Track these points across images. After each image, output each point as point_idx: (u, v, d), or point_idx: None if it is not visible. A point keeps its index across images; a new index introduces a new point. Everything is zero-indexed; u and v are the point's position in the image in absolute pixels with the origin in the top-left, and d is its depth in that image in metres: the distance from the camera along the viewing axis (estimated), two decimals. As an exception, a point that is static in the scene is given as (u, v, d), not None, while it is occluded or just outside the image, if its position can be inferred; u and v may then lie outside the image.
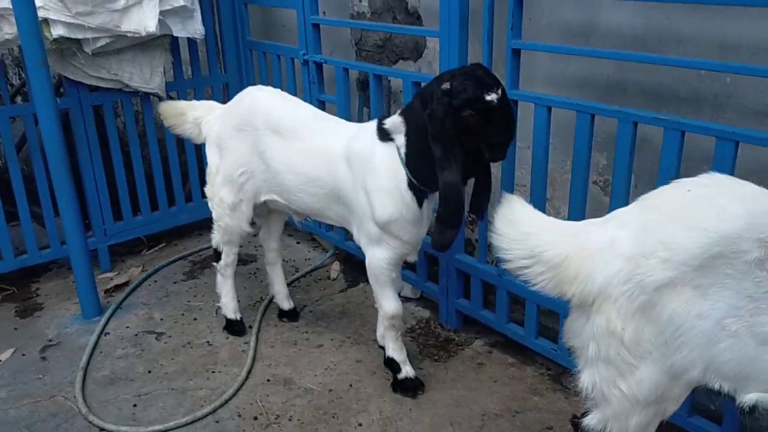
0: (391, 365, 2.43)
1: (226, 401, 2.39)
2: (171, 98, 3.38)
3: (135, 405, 2.40)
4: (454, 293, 2.74)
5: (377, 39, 3.05)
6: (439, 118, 1.91)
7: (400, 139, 2.10)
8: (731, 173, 1.69)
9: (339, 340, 2.76)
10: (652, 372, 1.41)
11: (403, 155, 2.09)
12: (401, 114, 2.10)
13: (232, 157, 2.50)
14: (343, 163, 2.23)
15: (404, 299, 3.02)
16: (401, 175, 2.10)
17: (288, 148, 2.35)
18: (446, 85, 1.90)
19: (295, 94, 3.23)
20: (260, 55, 3.47)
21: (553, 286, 1.45)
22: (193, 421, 2.30)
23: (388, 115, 2.17)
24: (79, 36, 2.83)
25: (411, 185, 2.09)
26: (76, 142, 3.19)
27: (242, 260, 3.44)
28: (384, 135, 2.13)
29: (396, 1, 2.91)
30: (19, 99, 4.39)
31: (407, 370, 2.42)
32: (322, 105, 3.12)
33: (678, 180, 1.44)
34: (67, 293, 3.14)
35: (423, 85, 2.13)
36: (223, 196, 2.54)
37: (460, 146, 1.94)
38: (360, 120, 3.15)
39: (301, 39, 3.08)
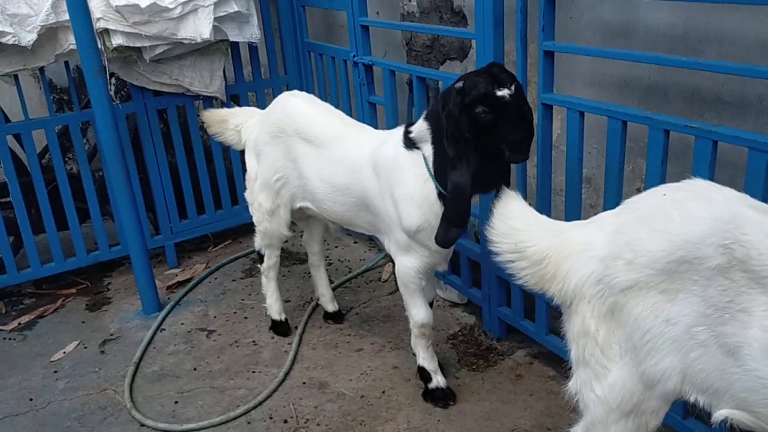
0: (423, 374, 2.40)
1: (260, 402, 2.45)
2: (233, 101, 3.50)
3: (176, 402, 2.51)
4: (496, 301, 2.66)
5: (425, 39, 3.00)
6: (454, 117, 1.88)
7: (427, 149, 2.05)
8: (765, 185, 1.53)
9: (379, 344, 2.75)
10: (624, 377, 1.37)
11: (430, 165, 2.04)
12: (426, 119, 2.05)
13: (268, 162, 2.54)
14: (370, 171, 2.21)
15: (451, 304, 2.98)
16: (429, 185, 2.06)
17: (316, 156, 2.36)
18: (459, 84, 1.87)
19: (347, 95, 3.26)
20: (317, 57, 3.50)
21: (535, 283, 1.48)
22: (226, 422, 2.37)
23: (414, 122, 2.12)
24: (138, 44, 2.97)
25: (440, 195, 2.04)
26: (143, 145, 3.35)
27: (298, 259, 3.50)
28: (410, 143, 2.09)
29: (442, 0, 2.84)
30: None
31: (438, 380, 2.38)
32: (372, 107, 3.12)
33: (663, 185, 1.40)
34: (134, 289, 3.30)
35: None
36: (262, 202, 2.59)
37: (478, 147, 1.89)
38: (409, 120, 3.11)
39: (351, 41, 3.07)
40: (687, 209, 1.27)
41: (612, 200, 2.00)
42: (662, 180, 1.82)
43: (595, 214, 2.36)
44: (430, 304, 2.41)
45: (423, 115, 2.08)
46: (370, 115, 3.12)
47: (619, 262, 1.32)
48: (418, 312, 2.30)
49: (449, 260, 2.36)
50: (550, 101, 2.14)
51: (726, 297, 1.22)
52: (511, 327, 2.68)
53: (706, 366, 1.28)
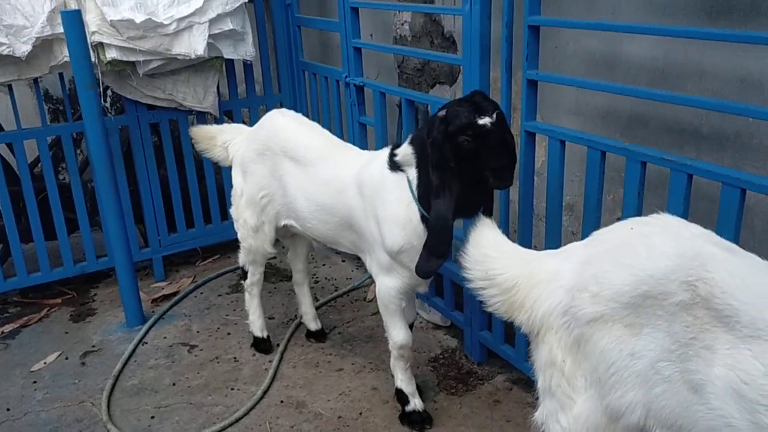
0: (400, 396, 2.39)
1: (237, 420, 2.44)
2: (226, 117, 3.52)
3: (153, 417, 2.50)
4: (478, 325, 2.66)
5: (416, 63, 3.03)
6: (438, 145, 1.89)
7: (412, 172, 2.07)
8: (738, 221, 1.54)
9: (360, 365, 2.75)
10: (589, 409, 1.36)
11: (414, 189, 2.06)
12: (411, 143, 2.07)
13: (254, 180, 2.55)
14: (355, 191, 2.23)
15: (434, 326, 2.98)
16: (413, 208, 2.07)
17: (301, 175, 2.38)
18: (442, 113, 1.89)
19: (339, 115, 3.28)
20: (311, 76, 3.53)
21: (505, 311, 1.48)
22: (201, 438, 2.37)
23: (400, 143, 2.14)
24: (132, 59, 2.99)
25: (423, 218, 2.06)
26: (135, 158, 3.37)
27: (284, 276, 3.51)
28: (395, 166, 2.11)
29: (434, 25, 2.87)
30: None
31: (416, 403, 2.37)
32: (362, 127, 3.14)
33: (632, 218, 1.40)
34: (119, 301, 3.30)
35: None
36: (247, 218, 2.61)
37: (462, 174, 1.90)
38: (399, 142, 3.13)
39: (344, 62, 3.10)
40: (653, 244, 1.28)
41: (591, 228, 1.98)
42: (639, 211, 1.83)
43: (576, 241, 2.39)
44: (411, 326, 2.41)
45: (408, 139, 2.09)
46: (360, 135, 3.15)
47: (585, 294, 1.33)
48: (397, 333, 2.30)
49: (432, 282, 2.36)
50: (532, 129, 2.16)
51: (690, 333, 1.22)
52: (492, 352, 2.67)
53: (670, 402, 1.27)
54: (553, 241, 2.14)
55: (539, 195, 2.36)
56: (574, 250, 1.47)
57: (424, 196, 2.03)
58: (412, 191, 2.06)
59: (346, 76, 3.10)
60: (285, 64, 3.62)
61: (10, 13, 2.77)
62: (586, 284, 1.33)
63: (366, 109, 3.13)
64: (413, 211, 2.07)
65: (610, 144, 1.90)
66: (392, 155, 2.13)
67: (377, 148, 2.95)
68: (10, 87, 3.06)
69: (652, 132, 2.02)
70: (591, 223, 2.00)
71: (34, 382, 2.74)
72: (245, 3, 3.16)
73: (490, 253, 1.52)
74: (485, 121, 1.82)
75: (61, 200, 3.25)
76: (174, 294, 3.41)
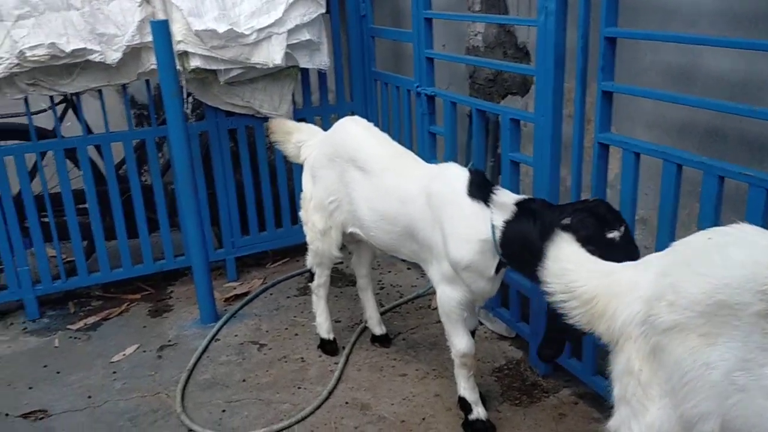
0: (463, 404, 2.41)
1: (303, 418, 2.51)
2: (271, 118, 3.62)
3: (224, 410, 2.59)
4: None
5: (489, 73, 3.05)
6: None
7: (499, 219, 2.06)
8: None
9: (424, 371, 2.77)
10: (662, 418, 1.37)
11: (497, 234, 2.05)
12: (517, 205, 2.04)
13: (323, 185, 2.63)
14: (422, 202, 2.26)
15: (498, 337, 2.98)
16: (489, 242, 2.08)
17: (367, 184, 2.44)
18: (566, 221, 1.85)
19: (409, 124, 3.33)
20: (383, 85, 3.60)
21: (586, 322, 1.51)
22: (270, 434, 2.44)
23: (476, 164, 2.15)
24: (214, 67, 3.13)
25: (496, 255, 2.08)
26: (213, 162, 3.51)
27: (351, 281, 3.57)
28: (479, 194, 2.11)
29: (507, 36, 2.89)
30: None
31: (479, 411, 2.38)
32: (432, 136, 3.18)
33: (711, 228, 1.40)
34: (194, 299, 3.43)
35: (537, 207, 2.03)
36: (315, 222, 2.68)
37: None
38: (468, 152, 3.15)
39: (416, 71, 3.15)
40: (728, 253, 1.28)
41: (665, 242, 1.96)
42: (715, 226, 1.79)
43: (649, 255, 2.35)
44: (473, 333, 2.42)
45: (515, 200, 2.06)
46: (429, 144, 3.18)
47: (663, 303, 1.34)
48: (459, 341, 2.32)
49: (498, 293, 2.37)
50: (606, 141, 2.15)
51: (766, 342, 1.21)
52: (558, 365, 2.65)
53: (745, 412, 1.26)
54: (625, 254, 2.11)
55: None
56: (652, 260, 1.48)
57: (507, 247, 2.03)
58: (493, 231, 2.06)
59: (417, 86, 3.15)
60: (358, 73, 3.70)
61: (103, 22, 2.94)
62: (663, 293, 1.34)
63: (436, 119, 3.16)
64: (487, 242, 2.08)
65: (687, 157, 1.87)
66: (487, 188, 2.11)
67: (446, 157, 2.99)
68: (100, 92, 3.25)
69: (731, 146, 1.98)
70: (665, 238, 1.97)
71: (114, 372, 2.89)
72: (322, 14, 3.26)
73: (569, 267, 1.55)
74: (614, 235, 1.81)
75: (143, 201, 3.42)
76: (245, 294, 3.52)
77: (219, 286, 3.58)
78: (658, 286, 1.37)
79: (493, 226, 2.07)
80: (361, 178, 2.46)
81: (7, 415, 2.63)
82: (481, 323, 3.00)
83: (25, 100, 3.10)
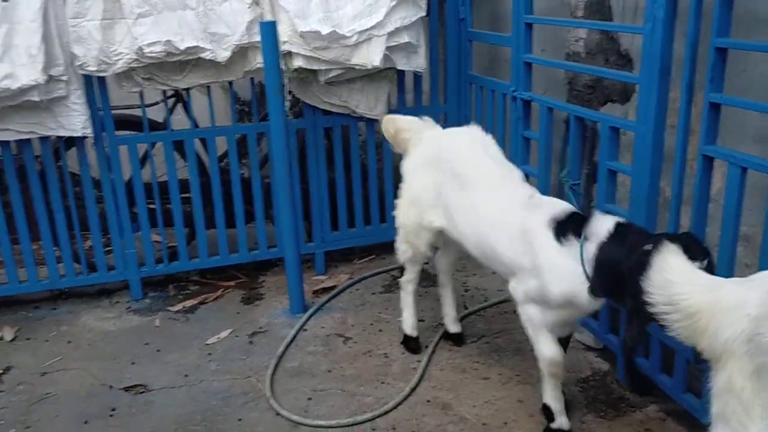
0: (546, 412, 2.40)
1: (386, 412, 2.56)
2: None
3: (310, 398, 2.69)
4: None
5: (588, 79, 3.00)
6: (637, 278, 1.76)
7: (589, 250, 2.04)
8: None
9: (507, 376, 2.77)
10: None
11: (585, 266, 2.04)
12: (599, 249, 2.01)
13: (422, 183, 2.67)
14: (515, 231, 2.25)
15: (585, 347, 2.94)
16: (581, 283, 2.07)
17: (463, 197, 2.46)
18: (648, 247, 1.81)
19: (502, 128, 3.33)
20: (477, 89, 3.61)
21: (688, 336, 1.51)
22: (353, 424, 2.51)
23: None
24: (315, 67, 3.24)
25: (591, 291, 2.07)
26: (308, 158, 3.63)
27: (436, 282, 3.59)
28: (570, 230, 2.11)
29: (610, 43, 2.84)
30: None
31: (562, 421, 2.36)
32: (526, 141, 3.17)
33: None
34: (284, 289, 3.55)
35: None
36: (409, 216, 2.74)
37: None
38: (563, 158, 3.12)
39: (513, 76, 3.15)
40: None
41: (767, 262, 1.91)
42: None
43: (751, 273, 2.26)
44: (567, 341, 2.40)
45: (598, 245, 2.02)
46: (523, 149, 3.18)
47: None
48: (546, 349, 2.31)
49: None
50: (711, 153, 2.09)
51: None
52: (647, 379, 2.59)
53: None
54: (725, 271, 2.05)
55: (713, 223, 2.26)
56: (762, 278, 1.46)
57: (594, 277, 2.02)
58: (582, 262, 2.05)
59: (513, 90, 3.15)
60: (453, 75, 3.73)
61: (215, 22, 3.09)
62: None
63: (531, 124, 3.15)
64: (579, 285, 2.07)
65: (799, 174, 1.79)
66: (568, 236, 2.10)
67: (539, 162, 2.98)
68: (208, 88, 3.42)
69: None
70: (769, 257, 1.90)
71: (209, 354, 3.04)
72: (422, 17, 3.31)
73: (673, 279, 1.55)
74: (696, 266, 1.72)
75: (242, 193, 3.58)
76: (332, 288, 3.62)
77: (307, 278, 3.69)
78: (767, 304, 1.34)
79: (583, 265, 2.04)
80: (458, 189, 2.49)
81: (111, 387, 2.82)
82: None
83: (140, 93, 3.31)
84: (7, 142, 3.15)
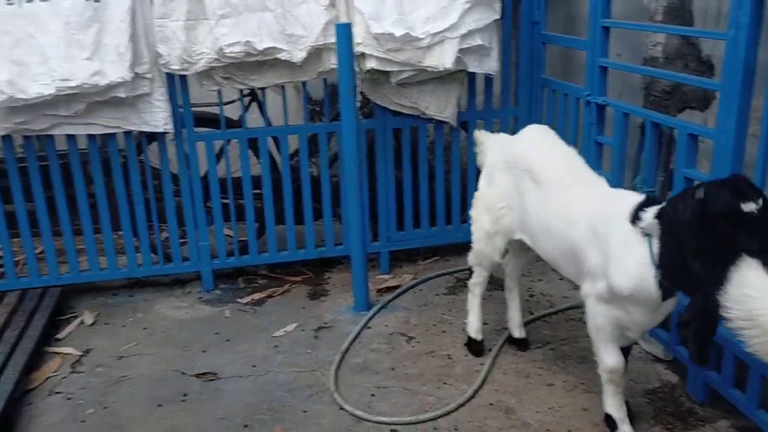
0: (609, 421, 2.37)
1: (449, 413, 2.58)
2: (461, 128, 3.70)
3: (373, 395, 2.73)
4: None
5: (666, 85, 2.94)
6: (694, 230, 1.79)
7: (654, 242, 2.01)
8: None
9: (572, 383, 2.75)
10: None
11: (654, 260, 2.01)
12: (657, 217, 2.00)
13: (497, 189, 2.68)
14: (586, 225, 2.24)
15: (654, 359, 2.88)
16: (649, 271, 2.02)
17: (539, 196, 2.45)
18: (700, 194, 1.80)
19: (575, 133, 3.29)
20: (550, 92, 3.58)
21: (766, 352, 1.49)
22: (415, 423, 2.54)
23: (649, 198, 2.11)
24: (387, 68, 3.28)
25: (660, 284, 2.02)
26: (376, 158, 3.68)
27: (501, 286, 3.58)
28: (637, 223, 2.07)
29: (690, 48, 2.77)
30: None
31: (625, 430, 2.33)
32: (599, 146, 3.13)
33: None
34: (348, 286, 3.60)
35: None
36: (483, 223, 2.74)
37: (718, 260, 1.76)
38: (636, 165, 3.07)
39: (588, 80, 3.11)
40: None
41: None
42: None
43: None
44: (627, 351, 2.37)
45: (654, 212, 2.01)
46: (595, 154, 3.13)
47: None
48: (608, 357, 2.28)
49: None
50: (796, 164, 2.02)
51: None
52: (717, 393, 2.52)
53: None
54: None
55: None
56: None
57: (664, 265, 1.97)
58: (652, 256, 2.01)
59: (588, 95, 3.11)
60: (525, 78, 3.71)
61: (292, 24, 3.17)
62: None
63: (604, 129, 3.10)
64: (648, 273, 2.03)
65: None
66: (637, 216, 2.07)
67: (613, 168, 2.93)
68: (282, 88, 3.52)
69: None
70: None
71: (276, 346, 3.12)
72: (495, 20, 3.31)
73: (752, 294, 1.52)
74: (751, 208, 1.72)
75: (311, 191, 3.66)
76: (396, 287, 3.65)
77: (372, 277, 3.73)
78: None
79: (651, 250, 2.00)
80: (534, 189, 2.48)
81: (183, 373, 2.94)
82: (636, 343, 2.90)
83: (218, 92, 3.43)
84: (94, 136, 3.32)
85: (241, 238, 3.78)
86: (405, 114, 3.60)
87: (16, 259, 3.52)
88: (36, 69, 2.94)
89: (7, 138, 3.24)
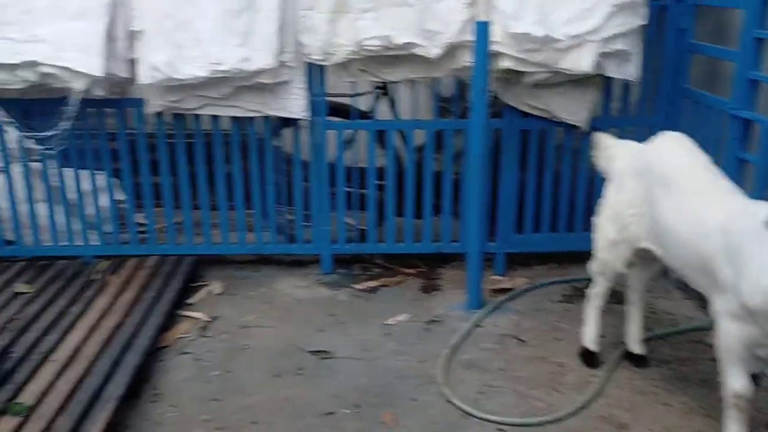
0: (728, 449, 2.25)
1: (558, 419, 2.55)
2: (595, 132, 3.61)
3: (480, 392, 2.74)
4: None
5: (824, 103, 2.74)
6: None
7: None
8: None
9: (690, 405, 2.63)
10: None
11: None
12: None
13: (626, 196, 2.61)
14: (721, 238, 2.14)
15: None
16: None
17: (673, 205, 2.37)
18: None
19: (716, 147, 3.14)
20: (691, 103, 3.43)
21: None
22: (523, 425, 2.53)
23: None
24: (523, 69, 3.26)
25: None
26: (501, 159, 3.67)
27: (620, 300, 3.46)
28: None
29: None
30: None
31: (744, 460, 2.21)
32: (740, 163, 2.97)
33: None
34: (461, 284, 3.61)
35: None
36: (607, 231, 2.68)
37: None
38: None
39: (735, 92, 2.96)
40: None
41: None
42: None
43: None
44: (756, 378, 2.24)
45: None
46: (736, 171, 2.97)
47: None
48: (735, 380, 2.18)
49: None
50: None
51: None
52: None
53: None
54: None
55: None
56: None
57: None
58: None
59: (733, 108, 2.95)
60: (666, 88, 3.57)
61: (431, 20, 3.22)
62: None
63: (748, 145, 2.94)
64: None
65: None
66: None
67: (756, 187, 2.78)
68: (413, 83, 3.58)
69: None
70: None
71: (388, 333, 3.20)
72: (640, 25, 3.21)
73: None
74: None
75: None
76: (510, 289, 3.63)
77: (485, 276, 3.73)
78: None
79: None
80: (667, 197, 2.40)
81: (300, 348, 3.08)
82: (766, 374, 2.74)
83: (353, 83, 3.55)
84: (236, 118, 3.53)
85: (360, 227, 3.89)
86: (534, 115, 3.56)
87: (158, 227, 3.81)
88: (191, 52, 3.17)
89: (159, 115, 3.51)
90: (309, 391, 2.75)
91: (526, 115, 3.58)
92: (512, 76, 3.34)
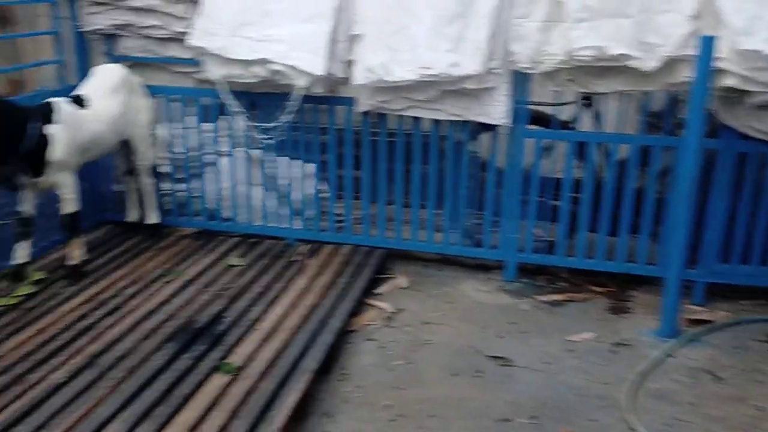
0: None
1: (754, 469, 2.36)
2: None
3: (667, 425, 2.60)
4: None
5: None
6: None
7: None
8: None
9: None
10: None
11: None
12: None
13: None
14: None
15: None
16: None
17: None
18: None
19: None
20: None
21: None
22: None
23: None
24: (748, 88, 3.02)
25: None
26: (711, 182, 3.43)
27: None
28: None
29: None
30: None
31: None
32: None
33: None
34: (653, 309, 3.44)
35: None
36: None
37: None
38: None
39: None
40: None
41: None
42: None
43: None
44: None
45: None
46: None
47: None
48: None
49: None
50: None
51: None
52: None
53: None
54: None
55: None
56: None
57: None
58: None
59: None
60: None
61: (649, 32, 3.08)
62: None
63: None
64: None
65: None
66: None
67: None
68: (621, 95, 3.46)
69: None
70: None
71: (570, 350, 3.14)
72: None
73: None
74: None
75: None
76: (708, 321, 3.39)
77: (682, 305, 3.52)
78: None
79: None
80: None
81: (477, 351, 3.12)
82: None
83: (556, 93, 3.51)
84: (437, 121, 3.65)
85: (549, 238, 3.84)
86: (754, 138, 3.28)
87: (354, 217, 4.04)
88: (405, 56, 3.34)
89: (365, 114, 3.73)
90: (486, 395, 2.78)
91: (746, 137, 3.31)
92: (734, 95, 3.11)
